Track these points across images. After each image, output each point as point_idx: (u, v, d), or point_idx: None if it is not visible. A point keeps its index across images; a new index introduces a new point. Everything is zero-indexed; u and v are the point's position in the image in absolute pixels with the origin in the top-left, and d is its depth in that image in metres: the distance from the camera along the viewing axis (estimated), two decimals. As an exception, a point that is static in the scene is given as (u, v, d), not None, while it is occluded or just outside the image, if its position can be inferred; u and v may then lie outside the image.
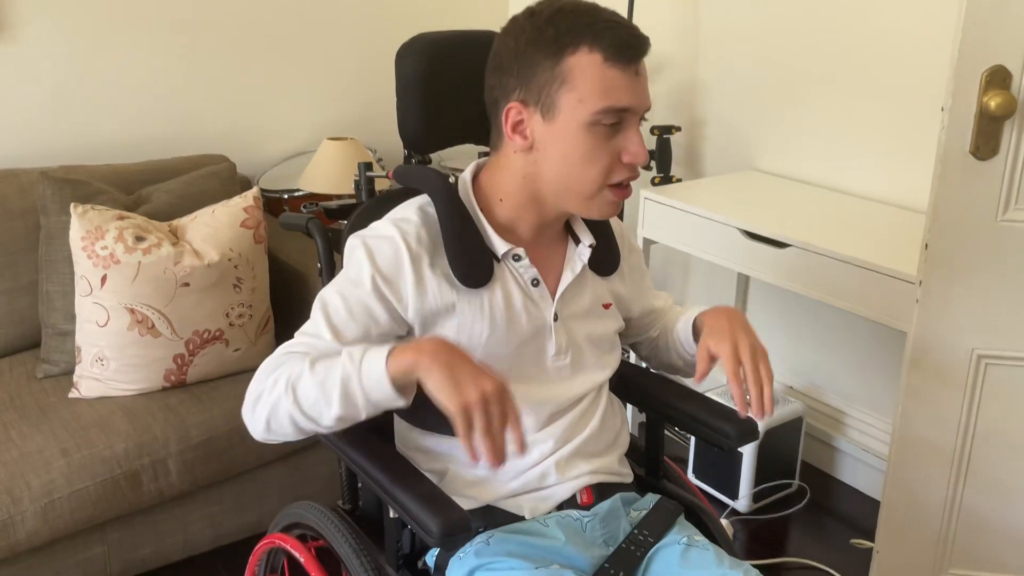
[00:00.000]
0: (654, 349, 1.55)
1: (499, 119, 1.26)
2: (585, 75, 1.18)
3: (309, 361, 1.18)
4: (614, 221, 1.47)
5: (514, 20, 1.25)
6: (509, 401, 1.10)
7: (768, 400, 1.27)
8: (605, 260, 1.40)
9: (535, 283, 1.32)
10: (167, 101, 2.72)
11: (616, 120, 1.21)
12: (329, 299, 1.26)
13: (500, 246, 1.29)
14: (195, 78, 2.76)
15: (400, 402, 1.14)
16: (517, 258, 1.31)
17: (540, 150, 1.24)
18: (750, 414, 1.27)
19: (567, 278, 1.34)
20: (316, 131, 3.01)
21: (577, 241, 1.37)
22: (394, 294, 1.25)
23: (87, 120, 2.60)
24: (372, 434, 1.32)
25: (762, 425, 2.34)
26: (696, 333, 1.43)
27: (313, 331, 1.25)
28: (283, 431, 1.22)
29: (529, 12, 1.23)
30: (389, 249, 1.25)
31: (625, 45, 1.18)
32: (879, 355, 2.47)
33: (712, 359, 1.31)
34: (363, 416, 1.17)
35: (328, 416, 1.16)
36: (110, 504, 1.91)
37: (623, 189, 1.27)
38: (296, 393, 1.17)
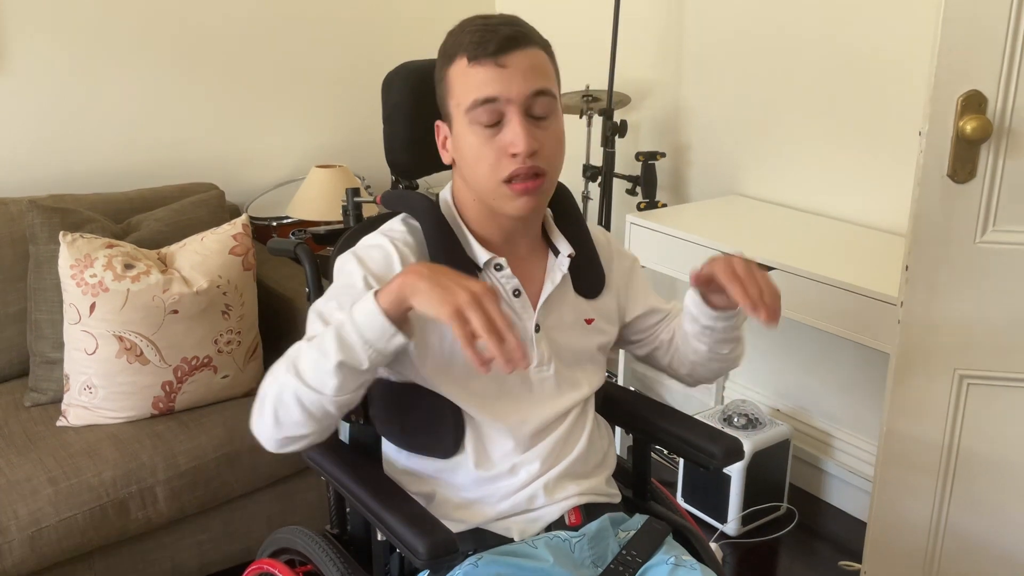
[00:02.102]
0: (676, 354, 1.51)
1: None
2: (457, 80, 1.26)
3: (306, 339, 1.19)
4: (600, 234, 1.48)
5: None
6: (499, 302, 1.09)
7: (772, 300, 1.22)
8: (588, 282, 1.42)
9: (516, 293, 1.34)
10: (156, 130, 2.74)
11: (494, 115, 1.24)
12: (323, 306, 1.27)
13: (482, 255, 1.32)
14: (184, 107, 2.78)
15: (398, 336, 1.12)
16: (499, 267, 1.33)
17: (457, 161, 1.32)
18: (760, 320, 1.21)
19: (547, 288, 1.36)
20: (305, 159, 3.04)
21: (557, 252, 1.39)
22: None
23: (76, 149, 2.61)
24: (360, 457, 1.33)
25: (748, 448, 2.35)
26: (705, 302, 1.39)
27: (310, 334, 1.24)
28: (291, 419, 1.17)
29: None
30: (379, 254, 1.29)
31: (482, 42, 1.24)
32: (864, 376, 2.49)
33: (709, 277, 1.30)
34: (365, 363, 1.12)
35: (328, 371, 1.12)
36: (98, 532, 1.91)
37: (522, 183, 1.25)
38: (297, 367, 1.15)
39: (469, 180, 1.30)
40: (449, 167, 1.38)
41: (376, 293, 1.12)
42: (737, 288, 1.22)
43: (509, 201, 1.28)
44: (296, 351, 1.18)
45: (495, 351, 1.05)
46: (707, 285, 1.34)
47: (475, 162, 1.27)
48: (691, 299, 1.41)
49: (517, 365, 1.06)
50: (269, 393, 1.19)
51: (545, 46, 1.30)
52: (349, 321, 1.13)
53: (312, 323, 1.26)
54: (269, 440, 1.21)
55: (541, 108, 1.25)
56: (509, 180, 1.25)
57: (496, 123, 1.24)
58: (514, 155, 1.24)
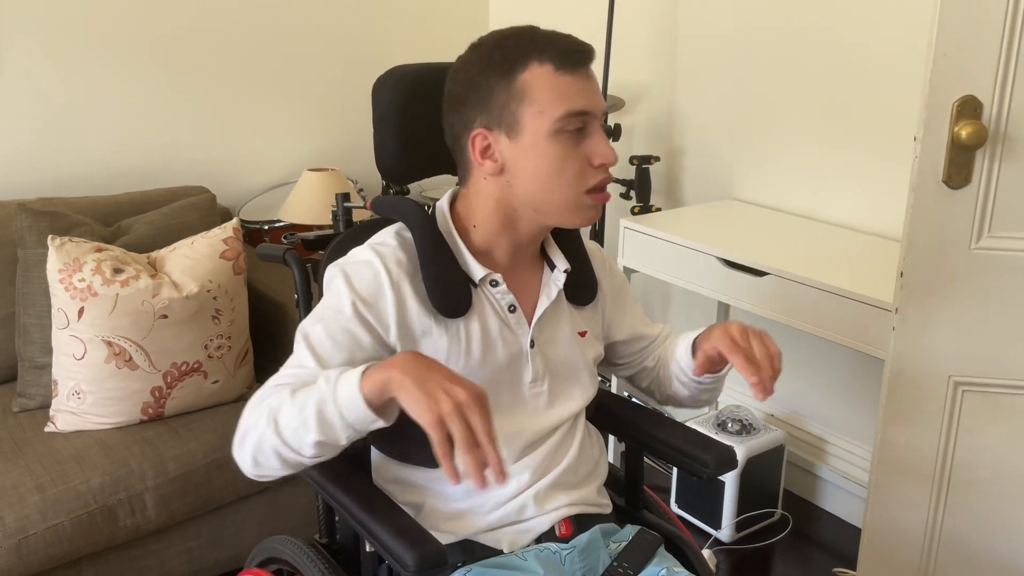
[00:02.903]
0: (656, 382, 1.54)
1: (465, 151, 1.29)
2: (540, 86, 1.22)
3: (290, 390, 1.16)
4: (593, 248, 1.47)
5: (460, 59, 1.30)
6: (486, 410, 1.05)
7: (774, 367, 1.25)
8: (581, 290, 1.41)
9: (512, 309, 1.32)
10: (147, 132, 2.72)
11: (579, 125, 1.24)
12: (311, 329, 1.25)
13: (478, 271, 1.30)
14: (175, 109, 2.76)
15: (378, 422, 1.11)
16: (494, 283, 1.31)
17: (511, 170, 1.26)
18: (754, 394, 1.23)
19: (543, 304, 1.35)
20: (297, 162, 3.02)
21: (553, 267, 1.38)
22: (375, 317, 1.24)
23: (67, 152, 2.59)
24: (349, 466, 1.31)
25: (742, 454, 2.34)
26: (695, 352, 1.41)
27: (297, 362, 1.23)
28: (270, 465, 1.19)
29: (472, 47, 1.28)
30: (368, 273, 1.26)
31: (571, 51, 1.23)
32: (859, 382, 2.48)
33: (710, 357, 1.32)
34: (343, 441, 1.13)
35: (307, 443, 1.13)
36: (86, 540, 1.89)
37: (601, 193, 1.28)
38: (277, 423, 1.15)
39: (534, 190, 1.26)
40: (449, 172, 1.36)
41: (362, 375, 1.09)
42: (739, 359, 1.24)
43: (585, 211, 1.28)
44: (278, 399, 1.16)
45: (469, 469, 1.02)
46: (713, 365, 1.35)
47: (556, 172, 1.24)
48: (683, 356, 1.43)
49: (495, 482, 1.03)
50: (250, 434, 1.19)
51: None
52: (331, 399, 1.11)
53: (299, 347, 1.24)
54: (247, 472, 1.23)
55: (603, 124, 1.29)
56: (591, 190, 1.26)
57: (581, 133, 1.24)
58: (599, 166, 1.25)
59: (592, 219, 1.30)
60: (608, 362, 1.55)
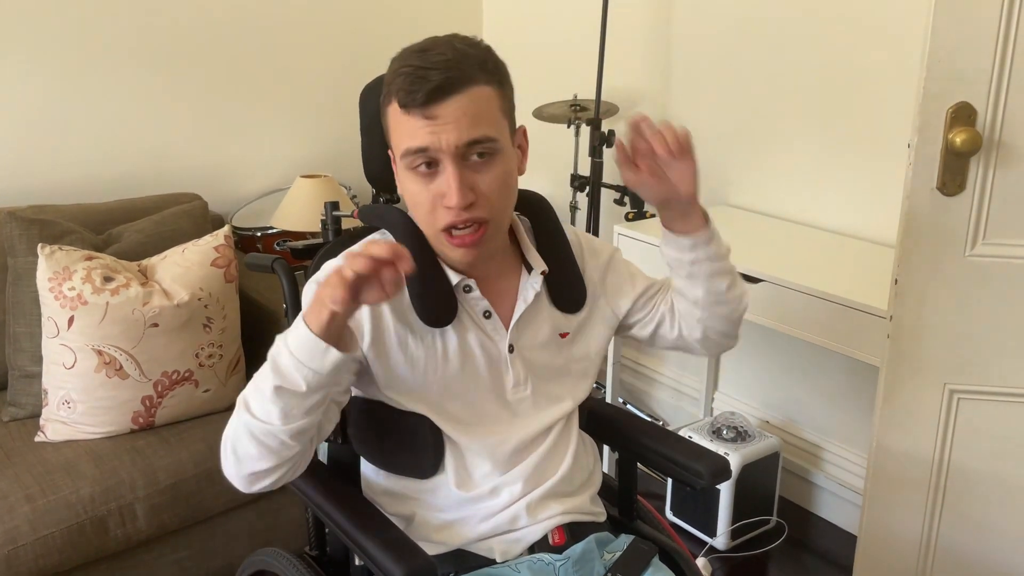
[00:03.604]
0: (681, 320, 1.46)
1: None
2: (391, 123, 1.22)
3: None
4: (572, 234, 1.43)
5: None
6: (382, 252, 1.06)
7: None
8: (568, 296, 1.38)
9: (487, 315, 1.31)
10: (139, 139, 2.71)
11: (424, 161, 1.18)
12: None
13: (453, 277, 1.29)
14: (167, 116, 2.75)
15: (332, 352, 1.09)
16: (468, 289, 1.30)
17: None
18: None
19: (520, 308, 1.33)
20: (289, 168, 3.01)
21: (530, 269, 1.35)
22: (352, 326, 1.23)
23: (57, 159, 2.58)
24: (338, 479, 1.30)
25: (737, 461, 2.33)
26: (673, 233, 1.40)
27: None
28: (247, 453, 1.15)
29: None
30: None
31: (411, 90, 1.16)
32: (855, 389, 2.47)
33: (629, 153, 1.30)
34: (303, 385, 1.10)
35: (270, 401, 1.11)
36: (76, 551, 1.87)
37: (458, 236, 1.22)
38: (247, 401, 1.15)
39: (415, 219, 1.28)
40: None
41: (303, 313, 1.11)
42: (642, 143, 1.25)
43: (449, 250, 1.25)
44: (246, 389, 1.17)
45: (367, 266, 1.04)
46: (633, 160, 1.31)
47: (414, 207, 1.24)
48: (664, 242, 1.40)
49: (402, 263, 1.05)
50: (228, 434, 1.18)
51: (491, 78, 1.20)
52: (283, 345, 1.11)
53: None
54: (237, 479, 1.19)
55: (478, 155, 1.19)
56: (447, 229, 1.22)
57: (432, 169, 1.19)
58: (447, 208, 1.19)
59: (463, 258, 1.24)
60: (626, 328, 1.49)
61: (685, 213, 1.35)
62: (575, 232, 1.45)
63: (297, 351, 1.09)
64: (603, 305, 1.43)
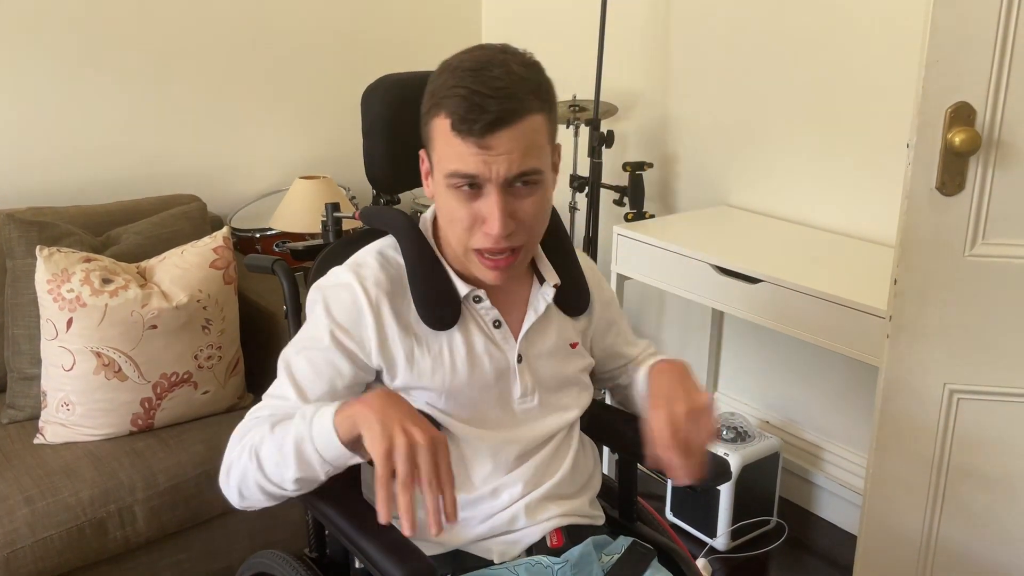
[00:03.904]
0: (625, 401, 1.55)
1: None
2: (439, 139, 1.18)
3: (270, 425, 1.18)
4: (587, 262, 1.46)
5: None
6: (444, 457, 1.05)
7: (697, 466, 1.19)
8: (574, 299, 1.39)
9: (497, 324, 1.31)
10: (137, 141, 2.71)
11: (472, 184, 1.17)
12: (292, 359, 1.25)
13: (461, 288, 1.29)
14: (166, 117, 2.75)
15: (355, 458, 1.12)
16: (478, 299, 1.30)
17: (436, 202, 1.27)
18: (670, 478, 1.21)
19: (530, 318, 1.33)
20: (288, 170, 3.01)
21: (542, 280, 1.36)
22: (354, 342, 1.24)
23: (57, 161, 2.58)
24: (338, 481, 1.30)
25: (737, 461, 2.33)
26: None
27: (279, 393, 1.25)
28: (255, 498, 1.22)
29: (441, 63, 1.22)
30: (347, 297, 1.25)
31: (468, 118, 1.13)
32: (854, 389, 2.47)
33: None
34: (322, 477, 1.15)
35: (288, 479, 1.15)
36: (75, 553, 1.87)
37: (491, 260, 1.21)
38: (259, 458, 1.17)
39: (444, 229, 1.27)
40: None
41: (336, 413, 1.10)
42: (673, 460, 1.18)
43: (477, 268, 1.24)
44: (260, 433, 1.18)
45: (401, 509, 1.01)
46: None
47: (450, 221, 1.22)
48: (642, 388, 1.43)
49: (445, 523, 1.03)
50: (235, 467, 1.21)
51: (544, 105, 1.19)
52: (308, 438, 1.12)
53: (281, 376, 1.25)
54: (234, 503, 1.25)
55: (525, 183, 1.18)
56: (481, 252, 1.21)
57: (475, 190, 1.17)
58: (487, 233, 1.18)
59: (492, 279, 1.24)
60: None
61: None
62: (588, 259, 1.48)
63: (323, 451, 1.11)
64: (592, 335, 1.46)
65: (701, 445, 1.19)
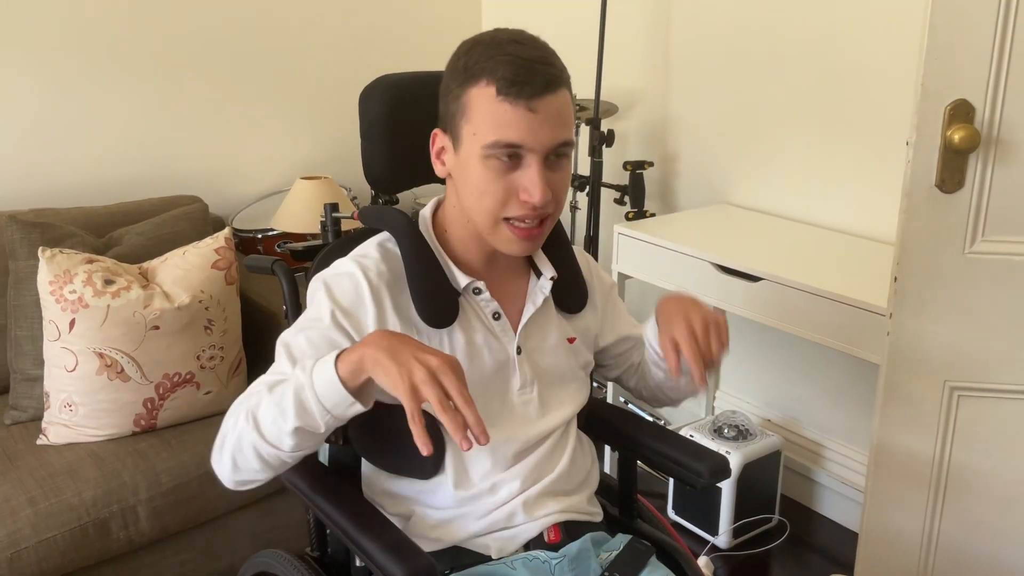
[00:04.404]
0: (642, 378, 1.53)
1: (430, 145, 1.29)
2: (479, 108, 1.18)
3: (267, 387, 1.16)
4: (582, 256, 1.47)
5: (457, 48, 1.27)
6: (460, 375, 1.04)
7: (709, 372, 1.27)
8: (571, 297, 1.40)
9: (496, 316, 1.32)
10: (139, 142, 2.71)
11: (511, 154, 1.18)
12: (291, 338, 1.24)
13: (461, 279, 1.29)
14: (167, 119, 2.75)
15: (356, 406, 1.09)
16: (477, 291, 1.31)
17: (455, 178, 1.26)
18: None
19: (529, 311, 1.34)
20: (289, 170, 3.01)
21: (539, 274, 1.37)
22: (354, 326, 1.24)
23: (58, 162, 2.59)
24: (339, 480, 1.31)
25: (739, 460, 2.33)
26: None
27: (277, 370, 1.23)
28: (249, 467, 1.18)
29: (463, 42, 1.25)
30: (349, 284, 1.26)
31: (518, 80, 1.15)
32: (856, 387, 2.47)
33: (676, 347, 1.28)
34: (321, 427, 1.11)
35: (286, 431, 1.11)
36: (78, 553, 1.87)
37: (524, 228, 1.23)
38: (256, 418, 1.14)
39: (466, 204, 1.25)
40: (438, 180, 1.35)
41: (337, 359, 1.09)
42: (693, 366, 1.24)
43: (506, 241, 1.25)
44: (257, 397, 1.16)
45: (450, 429, 1.01)
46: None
47: (480, 194, 1.21)
48: (650, 331, 1.43)
49: (477, 441, 1.02)
50: (229, 437, 1.18)
51: (569, 83, 1.23)
52: (308, 385, 1.10)
53: (280, 357, 1.24)
54: (227, 480, 1.22)
55: (558, 156, 1.21)
56: (513, 222, 1.22)
57: (513, 161, 1.19)
58: (523, 201, 1.20)
59: (520, 251, 1.26)
60: (597, 364, 1.54)
61: None
62: (583, 253, 1.48)
63: (324, 397, 1.09)
64: (597, 329, 1.47)
65: (716, 352, 1.25)
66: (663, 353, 1.30)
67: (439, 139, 1.26)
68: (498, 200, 1.21)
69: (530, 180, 1.19)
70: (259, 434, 1.14)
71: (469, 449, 1.02)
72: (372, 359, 1.06)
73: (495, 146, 1.17)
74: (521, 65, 1.16)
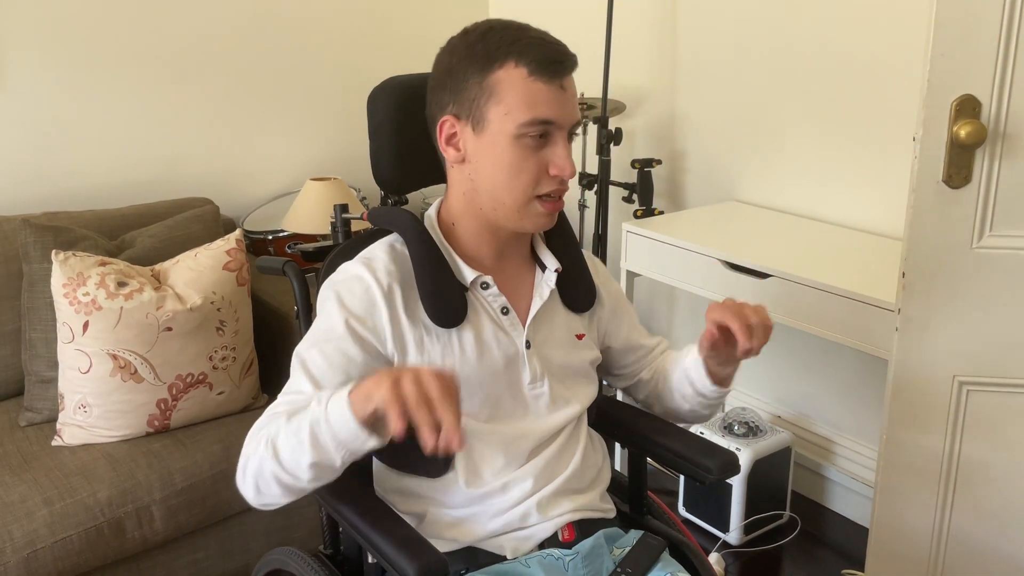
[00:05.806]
0: (655, 395, 1.54)
1: (434, 134, 1.30)
2: (511, 88, 1.22)
3: (287, 416, 1.18)
4: (591, 260, 1.47)
5: (449, 41, 1.30)
6: (450, 384, 1.04)
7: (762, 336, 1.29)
8: (579, 296, 1.41)
9: (505, 311, 1.33)
10: (150, 145, 2.73)
11: (542, 132, 1.24)
12: (305, 353, 1.26)
13: (468, 274, 1.31)
14: (178, 122, 2.77)
15: (370, 441, 1.11)
16: (485, 286, 1.32)
17: (472, 162, 1.27)
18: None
19: (536, 304, 1.35)
20: (299, 172, 3.03)
21: (544, 267, 1.38)
22: (369, 330, 1.25)
23: (70, 166, 2.61)
24: (350, 477, 1.31)
25: (749, 456, 2.33)
26: (707, 371, 1.42)
27: (295, 388, 1.25)
28: (271, 492, 1.21)
29: (463, 32, 1.28)
30: (359, 288, 1.27)
31: (549, 60, 1.22)
32: (865, 383, 2.47)
33: (720, 327, 1.30)
34: (338, 462, 1.13)
35: (304, 466, 1.14)
36: (94, 553, 1.89)
37: (553, 202, 1.29)
38: (275, 449, 1.16)
39: (490, 186, 1.27)
40: (446, 180, 1.36)
41: (350, 394, 1.10)
42: (740, 327, 1.26)
43: (534, 217, 1.28)
44: (276, 425, 1.18)
45: (419, 426, 1.01)
46: (724, 337, 1.31)
47: (511, 173, 1.25)
48: (694, 366, 1.43)
49: (450, 445, 1.01)
50: (251, 461, 1.20)
51: None
52: (323, 418, 1.11)
53: (295, 372, 1.25)
54: (251, 501, 1.25)
55: (571, 134, 1.28)
56: (544, 198, 1.27)
57: (543, 140, 1.24)
58: (554, 176, 1.26)
59: (542, 226, 1.31)
60: (604, 371, 1.55)
61: (729, 366, 1.41)
62: (592, 257, 1.50)
63: (339, 433, 1.10)
64: (605, 328, 1.48)
65: (758, 342, 1.28)
66: (705, 329, 1.31)
67: (451, 126, 1.28)
68: (532, 177, 1.25)
69: (561, 155, 1.25)
70: (279, 464, 1.16)
71: (432, 451, 1.02)
72: (375, 383, 1.07)
73: (531, 123, 1.22)
74: (549, 47, 1.23)
